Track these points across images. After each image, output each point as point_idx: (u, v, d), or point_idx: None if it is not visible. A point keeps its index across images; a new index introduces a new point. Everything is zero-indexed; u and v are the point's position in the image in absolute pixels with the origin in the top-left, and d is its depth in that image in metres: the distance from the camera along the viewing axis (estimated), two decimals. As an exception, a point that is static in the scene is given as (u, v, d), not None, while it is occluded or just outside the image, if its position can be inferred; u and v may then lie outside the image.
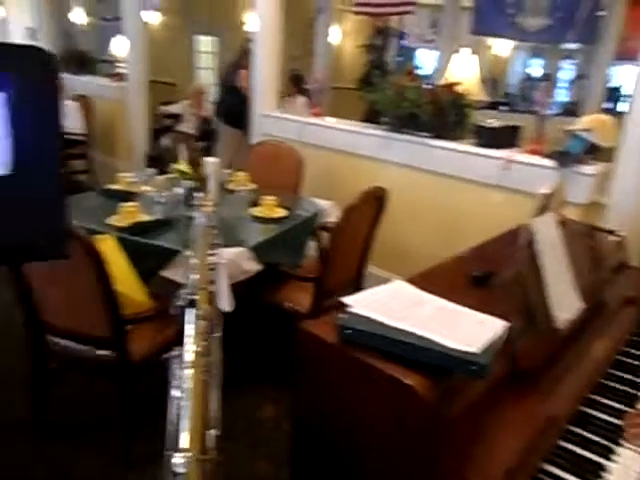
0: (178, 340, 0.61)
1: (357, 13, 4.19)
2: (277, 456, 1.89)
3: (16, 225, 0.68)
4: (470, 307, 1.04)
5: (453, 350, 0.87)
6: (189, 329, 0.64)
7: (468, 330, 0.95)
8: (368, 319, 0.98)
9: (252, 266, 1.96)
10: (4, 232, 0.67)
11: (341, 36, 7.93)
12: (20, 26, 7.19)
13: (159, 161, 3.96)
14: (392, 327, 0.94)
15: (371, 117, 3.82)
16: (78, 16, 7.94)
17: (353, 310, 1.01)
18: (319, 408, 1.03)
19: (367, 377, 0.91)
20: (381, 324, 0.96)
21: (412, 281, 1.16)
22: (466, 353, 0.86)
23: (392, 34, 7.45)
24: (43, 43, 6.56)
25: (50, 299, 1.72)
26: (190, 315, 0.68)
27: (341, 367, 0.96)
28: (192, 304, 0.71)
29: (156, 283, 1.94)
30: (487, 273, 1.28)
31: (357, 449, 0.96)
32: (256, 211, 2.27)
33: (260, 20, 3.60)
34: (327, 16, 6.75)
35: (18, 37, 7.02)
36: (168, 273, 1.85)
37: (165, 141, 5.03)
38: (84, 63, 6.45)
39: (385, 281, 1.15)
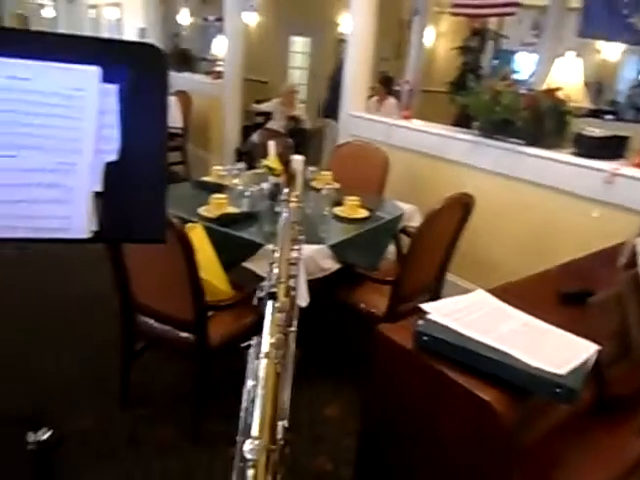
0: (255, 330, 0.63)
1: (454, 14, 4.08)
2: (338, 454, 1.89)
3: (121, 207, 0.74)
4: (558, 326, 0.98)
5: (537, 370, 0.82)
6: (268, 321, 0.65)
7: (555, 350, 0.90)
8: (447, 328, 0.95)
9: (330, 264, 1.97)
10: (110, 213, 0.73)
11: (434, 38, 7.77)
12: (133, 26, 7.80)
13: (248, 156, 4.11)
14: (472, 339, 0.91)
15: (461, 121, 3.71)
16: (184, 17, 8.45)
17: (431, 317, 0.98)
18: (390, 411, 1.02)
19: (442, 387, 0.88)
20: (460, 334, 0.93)
21: (495, 293, 1.11)
22: (552, 375, 0.81)
23: (490, 36, 7.17)
24: (152, 41, 7.05)
25: (142, 280, 1.85)
26: (269, 307, 0.69)
27: (416, 374, 0.94)
28: (272, 296, 0.72)
29: (237, 273, 2.02)
30: (579, 291, 1.19)
31: (426, 456, 0.94)
32: (338, 210, 2.29)
33: (354, 21, 3.62)
34: (422, 17, 6.63)
35: (130, 36, 7.61)
36: (250, 264, 1.91)
37: (255, 137, 5.21)
38: (186, 61, 6.84)
39: (464, 291, 1.11)
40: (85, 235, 0.72)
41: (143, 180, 0.76)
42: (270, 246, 1.88)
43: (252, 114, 5.72)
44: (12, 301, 2.62)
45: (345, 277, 2.18)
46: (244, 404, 0.52)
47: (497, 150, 2.83)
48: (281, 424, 0.54)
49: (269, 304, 0.70)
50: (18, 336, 2.35)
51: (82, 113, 0.76)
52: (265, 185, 2.34)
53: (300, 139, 4.56)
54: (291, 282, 0.83)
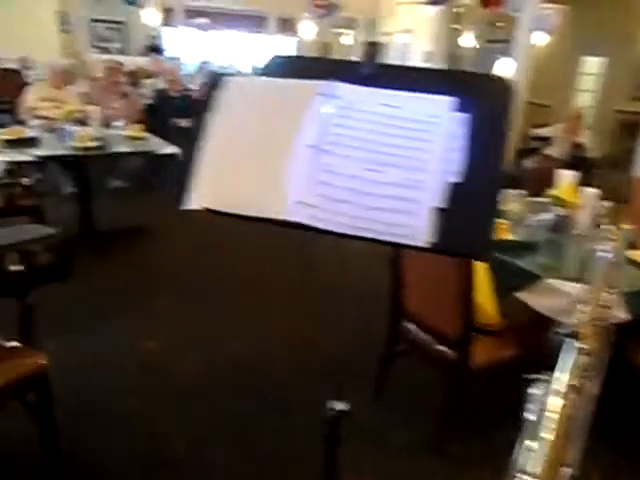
0: (522, 364, 0.61)
1: None
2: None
3: (456, 224, 0.81)
4: None
5: None
6: (566, 360, 0.63)
7: None
8: None
9: (619, 313, 1.75)
10: (446, 227, 0.80)
11: None
12: (419, 50, 8.30)
13: (518, 182, 3.94)
14: None
15: None
16: (466, 40, 8.59)
17: None
18: None
19: None
20: None
21: None
22: None
23: None
24: (436, 64, 7.40)
25: (415, 290, 1.96)
26: (570, 346, 0.67)
27: None
28: (575, 336, 0.70)
29: (505, 302, 1.96)
30: None
31: None
32: (635, 254, 2.01)
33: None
34: None
35: (416, 59, 8.12)
36: (524, 296, 1.83)
37: (527, 162, 4.96)
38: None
39: None
40: (423, 244, 0.81)
41: (479, 201, 0.82)
42: (551, 280, 1.77)
43: (528, 138, 5.46)
44: (290, 285, 3.09)
45: (635, 332, 1.90)
46: (525, 438, 0.51)
47: None
48: (567, 471, 0.52)
49: (570, 343, 0.68)
50: (297, 316, 2.76)
51: (434, 137, 0.86)
52: (546, 215, 2.22)
53: (584, 169, 4.15)
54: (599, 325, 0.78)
